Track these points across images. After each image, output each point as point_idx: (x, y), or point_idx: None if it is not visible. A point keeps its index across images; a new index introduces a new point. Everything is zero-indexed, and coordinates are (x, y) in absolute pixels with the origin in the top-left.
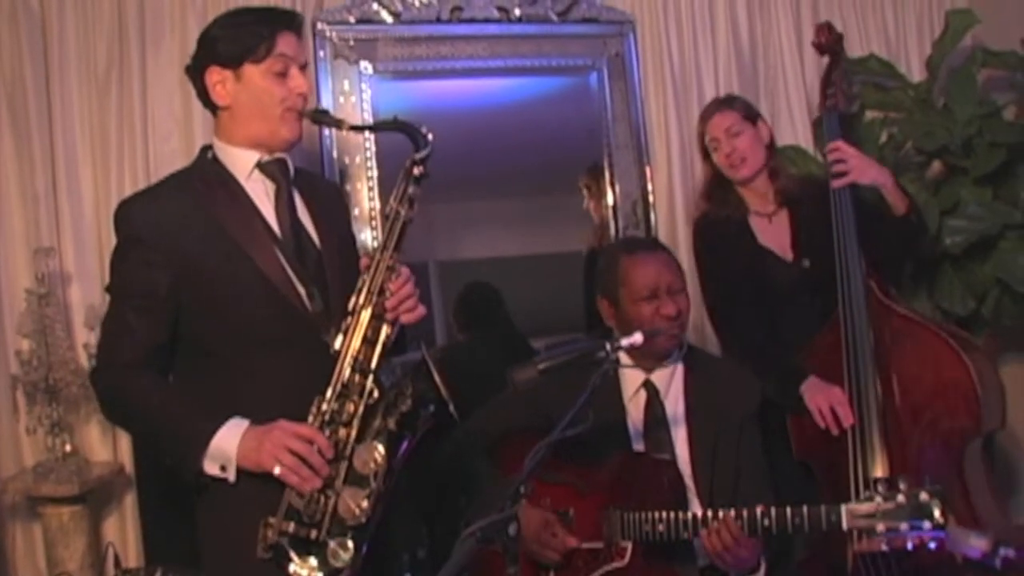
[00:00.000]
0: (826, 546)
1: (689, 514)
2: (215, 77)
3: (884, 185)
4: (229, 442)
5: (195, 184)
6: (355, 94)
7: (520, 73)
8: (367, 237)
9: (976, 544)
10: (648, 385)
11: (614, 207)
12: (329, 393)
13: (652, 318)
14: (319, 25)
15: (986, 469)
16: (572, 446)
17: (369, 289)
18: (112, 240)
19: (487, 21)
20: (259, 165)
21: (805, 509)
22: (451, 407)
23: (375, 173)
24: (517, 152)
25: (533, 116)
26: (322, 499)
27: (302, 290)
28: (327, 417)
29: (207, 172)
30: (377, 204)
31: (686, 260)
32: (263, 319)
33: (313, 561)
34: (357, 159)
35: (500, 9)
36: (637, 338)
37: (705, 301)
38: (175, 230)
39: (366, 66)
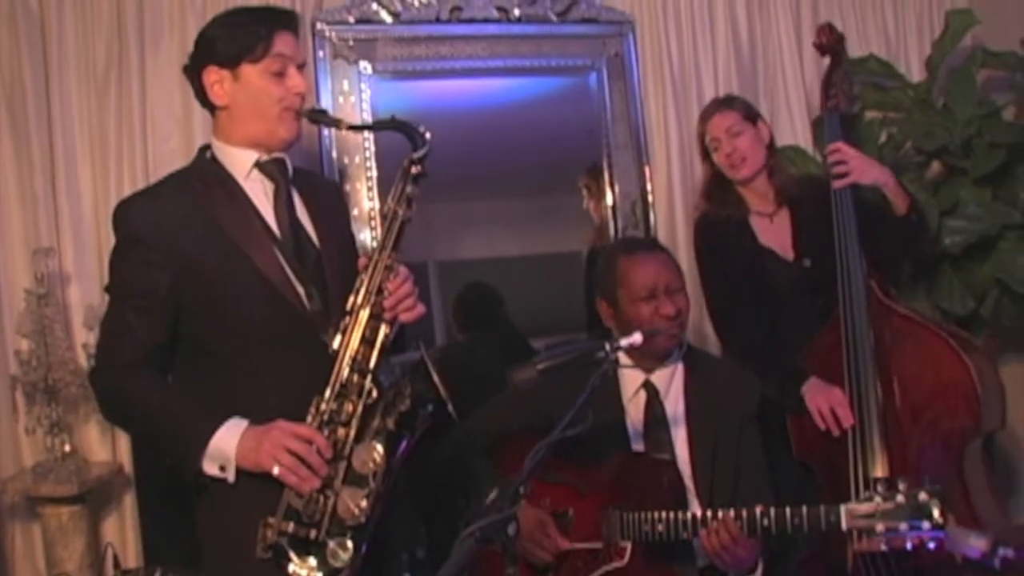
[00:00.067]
0: (825, 546)
1: (688, 514)
2: (213, 77)
3: (886, 185)
4: (228, 442)
5: (194, 184)
6: (354, 94)
7: (519, 73)
8: (366, 237)
9: (975, 544)
10: (648, 385)
11: (613, 207)
12: (328, 393)
13: (651, 318)
14: (318, 25)
15: (986, 469)
16: (572, 446)
17: (367, 289)
18: (111, 240)
19: (486, 21)
20: (258, 165)
21: (804, 509)
22: (450, 407)
23: (374, 173)
24: (516, 152)
25: (532, 116)
26: (321, 499)
27: (301, 290)
28: (326, 417)
29: (206, 172)
30: (376, 204)
31: (686, 260)
32: (262, 319)
33: (312, 561)
34: (356, 159)
35: (499, 9)
36: (636, 338)
37: (706, 301)
38: (174, 230)
39: (365, 66)
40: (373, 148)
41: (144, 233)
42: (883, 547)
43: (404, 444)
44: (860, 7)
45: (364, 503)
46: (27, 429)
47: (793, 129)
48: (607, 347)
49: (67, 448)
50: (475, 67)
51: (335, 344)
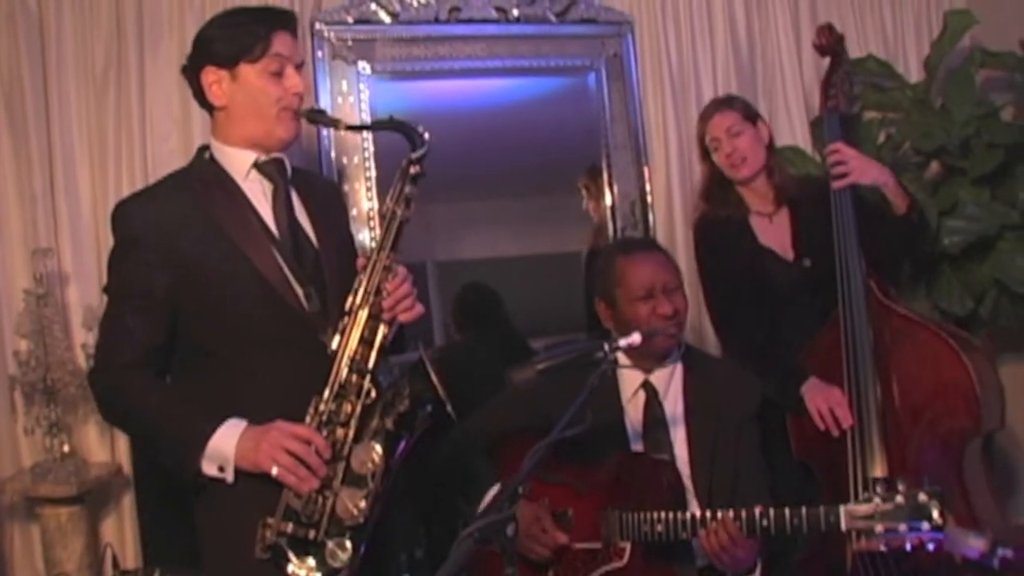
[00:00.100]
0: (825, 545)
1: (688, 515)
2: (211, 77)
3: (885, 185)
4: (227, 443)
5: (193, 184)
6: (353, 94)
7: (518, 73)
8: (365, 237)
9: (974, 544)
10: (647, 386)
11: (612, 207)
12: (327, 393)
13: (649, 318)
14: (317, 25)
15: (985, 469)
16: (571, 446)
17: (366, 289)
18: (110, 240)
19: (485, 21)
20: (256, 165)
21: (804, 510)
22: (448, 407)
23: (373, 173)
24: (515, 152)
25: (531, 116)
26: (320, 499)
27: (299, 290)
28: (325, 417)
29: (204, 172)
30: (375, 204)
31: (684, 260)
32: (261, 319)
33: (311, 561)
34: (355, 159)
35: (498, 9)
36: (635, 338)
37: (706, 302)
38: (173, 231)
39: (364, 66)
40: (372, 148)
41: (143, 234)
42: (882, 548)
43: (403, 444)
44: (859, 7)
45: (363, 503)
46: (26, 429)
47: (792, 129)
48: (606, 347)
49: (66, 448)
50: (474, 67)
51: (334, 344)
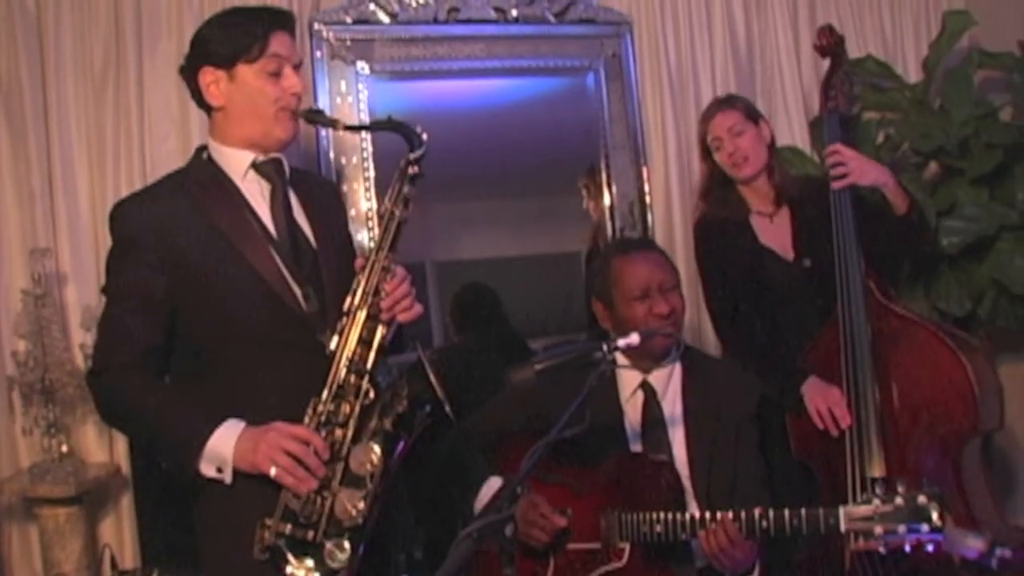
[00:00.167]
0: (823, 545)
1: (687, 515)
2: (209, 77)
3: (885, 185)
4: (225, 444)
5: (191, 185)
6: (352, 94)
7: (517, 74)
8: (364, 237)
9: (973, 544)
10: (645, 386)
11: (611, 208)
12: (325, 394)
13: (645, 317)
14: (316, 25)
15: (984, 469)
16: (569, 447)
17: (364, 290)
18: (108, 241)
19: (484, 22)
20: (254, 165)
21: (803, 511)
22: (447, 408)
23: (372, 173)
24: (514, 153)
25: (530, 117)
26: (319, 500)
27: (298, 291)
28: (323, 418)
29: (202, 173)
30: (374, 204)
31: (683, 260)
32: (259, 320)
33: (310, 562)
34: (354, 159)
35: (497, 10)
36: (634, 339)
37: (706, 302)
38: (171, 231)
39: (363, 66)
40: (370, 148)
41: (141, 234)
42: (881, 550)
43: (401, 445)
44: (857, 8)
45: (361, 504)
46: (24, 430)
47: (791, 130)
48: (604, 348)
49: (64, 449)
50: (472, 68)
51: (332, 345)
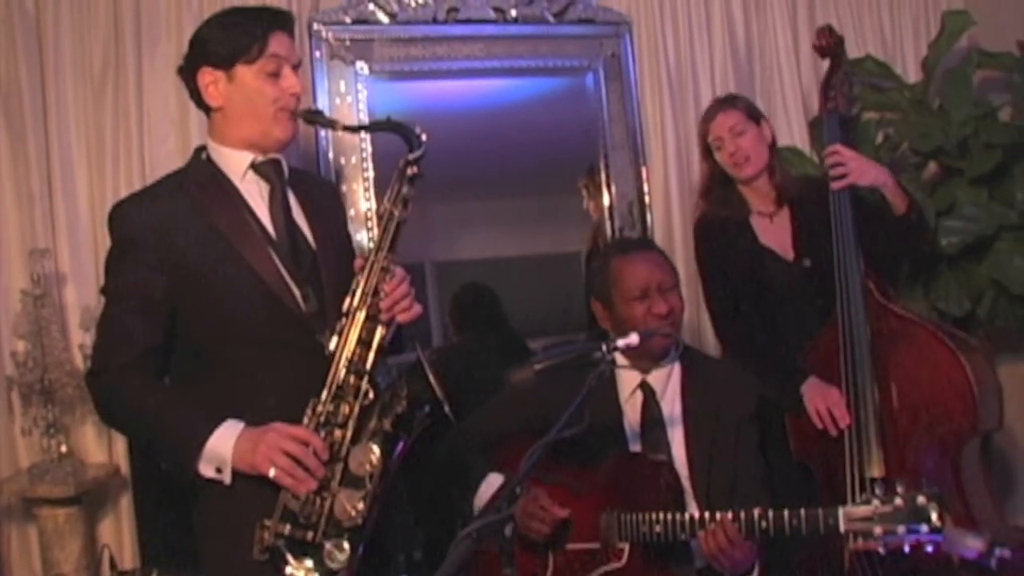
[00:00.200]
0: (823, 545)
1: (686, 516)
2: (207, 78)
3: (884, 185)
4: (224, 444)
5: (189, 186)
6: (351, 95)
7: (516, 74)
8: (363, 238)
9: (972, 544)
10: (644, 386)
11: (610, 208)
12: (324, 395)
13: (644, 317)
14: (315, 25)
15: (983, 469)
16: (569, 447)
17: (364, 290)
18: (107, 241)
19: (483, 22)
20: (253, 166)
21: (803, 512)
22: (446, 408)
23: (371, 174)
24: (513, 153)
25: (529, 117)
26: (318, 501)
27: (297, 291)
28: (322, 419)
29: (201, 173)
30: (373, 205)
31: (682, 260)
32: (258, 321)
33: (309, 563)
34: (353, 159)
35: (496, 10)
36: (633, 339)
37: (706, 302)
38: (169, 232)
39: (362, 67)
40: (370, 149)
41: (139, 235)
42: (880, 550)
43: (401, 446)
44: (856, 8)
45: (361, 505)
46: (23, 430)
47: (790, 130)
48: (604, 348)
49: (63, 449)
50: (472, 68)
51: (331, 345)
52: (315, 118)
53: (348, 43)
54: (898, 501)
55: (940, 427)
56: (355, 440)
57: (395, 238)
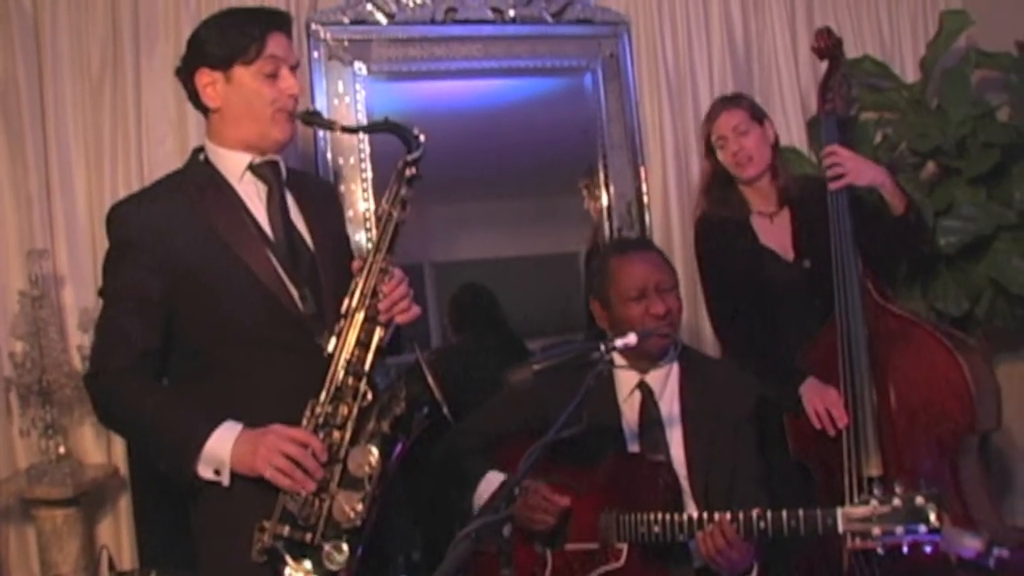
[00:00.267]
0: (822, 545)
1: (685, 516)
2: (205, 79)
3: (882, 185)
4: (223, 446)
5: (188, 187)
6: (349, 95)
7: (515, 74)
8: (361, 239)
9: (970, 544)
10: (643, 386)
11: (608, 208)
12: (323, 396)
13: (642, 318)
14: (313, 26)
15: (981, 469)
16: (567, 447)
17: (362, 292)
18: (106, 242)
19: (481, 22)
20: (251, 167)
21: (801, 513)
22: (445, 409)
23: (369, 174)
24: (512, 153)
25: (528, 117)
26: (317, 502)
27: (295, 292)
28: (321, 420)
29: (199, 175)
30: (371, 205)
31: (681, 260)
32: (256, 322)
33: (308, 564)
34: (351, 160)
35: (494, 10)
36: (632, 339)
37: (706, 302)
38: (167, 233)
39: (360, 67)
40: (368, 149)
41: (138, 237)
42: (879, 550)
43: (399, 447)
44: (855, 8)
45: (360, 506)
46: (21, 431)
47: (788, 130)
48: (602, 348)
49: (62, 450)
50: (470, 68)
51: (330, 347)
52: (313, 119)
53: (346, 44)
54: (896, 501)
55: (938, 427)
56: (354, 442)
57: (393, 239)
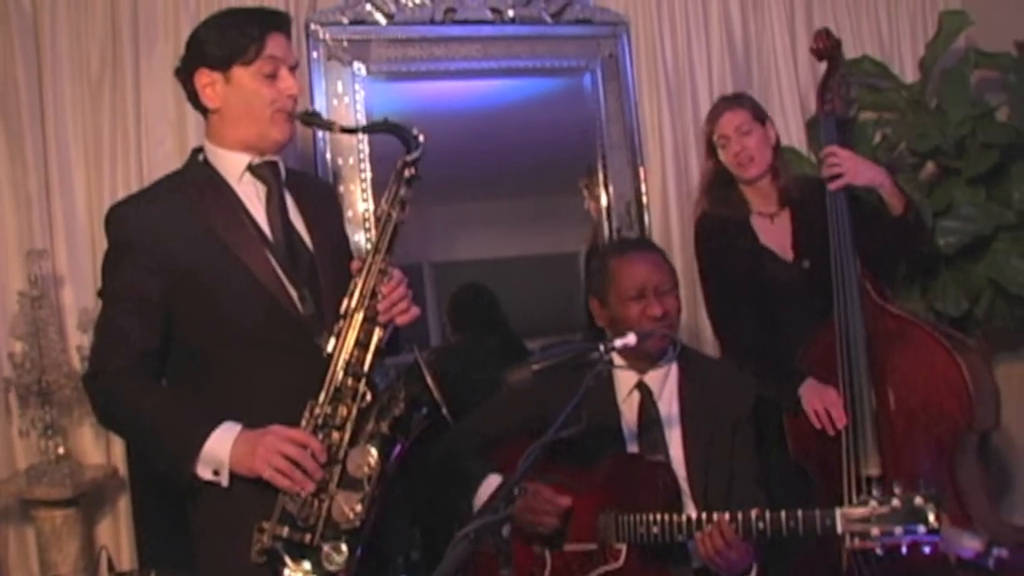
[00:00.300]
0: (820, 544)
1: (683, 517)
2: (204, 79)
3: (881, 186)
4: (222, 447)
5: (187, 187)
6: (348, 95)
7: (514, 74)
8: (360, 239)
9: (970, 544)
10: (641, 386)
11: (608, 208)
12: (322, 397)
13: (639, 318)
14: (312, 26)
15: (980, 469)
16: (566, 447)
17: (361, 292)
18: (105, 242)
19: (480, 22)
20: (250, 168)
21: (800, 513)
22: (444, 409)
23: (368, 175)
24: (511, 153)
25: (527, 117)
26: (316, 503)
27: (294, 293)
28: (320, 421)
29: (198, 175)
30: (370, 206)
31: (680, 261)
32: (255, 323)
33: (307, 565)
34: (350, 161)
35: (493, 10)
36: (631, 339)
37: (705, 301)
38: (166, 234)
39: (359, 67)
40: (367, 150)
41: (137, 237)
42: (878, 550)
43: (398, 448)
44: (854, 8)
45: (359, 507)
46: (21, 432)
47: (787, 130)
48: (601, 348)
49: (61, 451)
50: (469, 68)
51: (329, 347)
52: (312, 119)
53: (345, 44)
54: (895, 502)
55: (937, 427)
56: (353, 442)
57: (393, 240)
